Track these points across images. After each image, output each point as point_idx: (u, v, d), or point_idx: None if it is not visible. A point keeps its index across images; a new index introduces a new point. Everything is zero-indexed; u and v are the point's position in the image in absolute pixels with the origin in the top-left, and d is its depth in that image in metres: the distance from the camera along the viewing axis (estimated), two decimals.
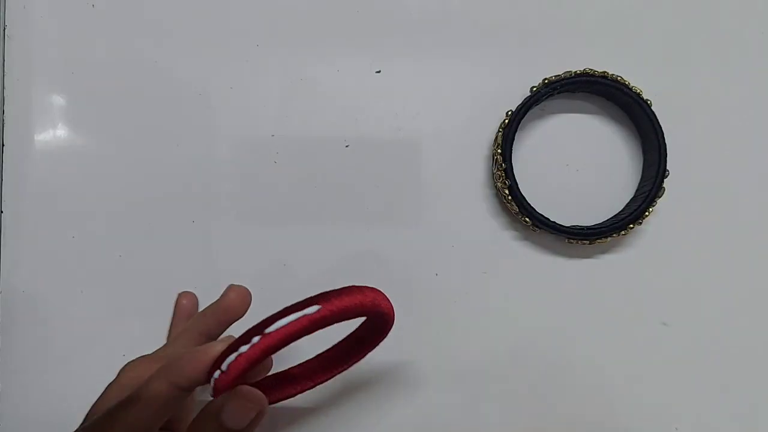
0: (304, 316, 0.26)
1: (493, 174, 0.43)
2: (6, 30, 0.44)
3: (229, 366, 0.26)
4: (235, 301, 0.34)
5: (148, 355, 0.35)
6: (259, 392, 0.27)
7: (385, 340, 0.33)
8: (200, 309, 0.40)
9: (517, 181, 0.41)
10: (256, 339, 0.26)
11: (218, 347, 0.27)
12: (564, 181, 0.43)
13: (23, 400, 0.43)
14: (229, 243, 0.43)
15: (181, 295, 0.40)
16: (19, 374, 0.43)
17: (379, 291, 0.29)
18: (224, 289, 0.35)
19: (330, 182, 0.43)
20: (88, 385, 0.33)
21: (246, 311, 0.35)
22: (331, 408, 0.42)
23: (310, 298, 0.27)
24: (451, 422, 0.42)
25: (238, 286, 0.35)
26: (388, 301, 0.30)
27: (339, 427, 0.42)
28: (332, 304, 0.26)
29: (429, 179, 0.43)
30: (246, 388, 0.27)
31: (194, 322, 0.36)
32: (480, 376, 0.42)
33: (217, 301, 0.35)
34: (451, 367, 0.42)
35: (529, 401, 0.42)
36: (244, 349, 0.26)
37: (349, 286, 0.28)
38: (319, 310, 0.26)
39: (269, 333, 0.26)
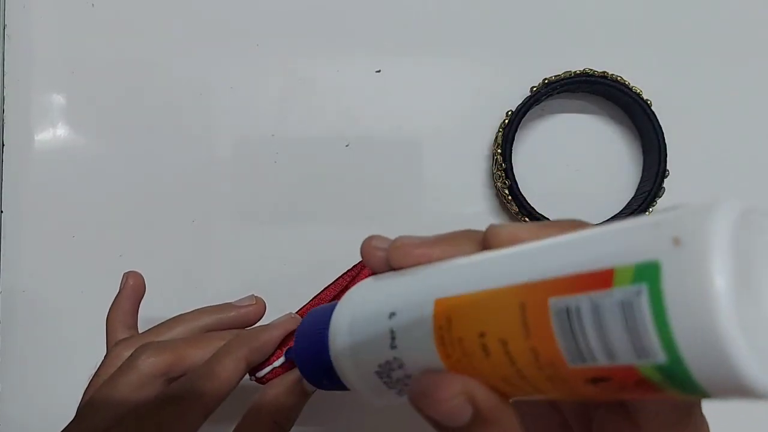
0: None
1: (493, 174, 0.43)
2: (6, 30, 0.44)
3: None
4: (254, 315, 0.34)
5: (138, 336, 0.33)
6: None
7: None
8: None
9: (517, 181, 0.40)
10: None
11: (278, 330, 0.30)
12: (564, 181, 0.43)
13: (23, 400, 0.43)
14: (229, 243, 0.43)
15: (129, 275, 0.36)
16: (19, 374, 0.43)
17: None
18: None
19: (330, 182, 0.43)
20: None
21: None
22: (329, 408, 0.42)
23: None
24: None
25: (260, 299, 0.34)
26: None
27: (338, 426, 0.42)
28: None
29: (429, 179, 0.43)
30: None
31: (202, 316, 0.33)
32: None
33: (236, 307, 0.34)
34: None
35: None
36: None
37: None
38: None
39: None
